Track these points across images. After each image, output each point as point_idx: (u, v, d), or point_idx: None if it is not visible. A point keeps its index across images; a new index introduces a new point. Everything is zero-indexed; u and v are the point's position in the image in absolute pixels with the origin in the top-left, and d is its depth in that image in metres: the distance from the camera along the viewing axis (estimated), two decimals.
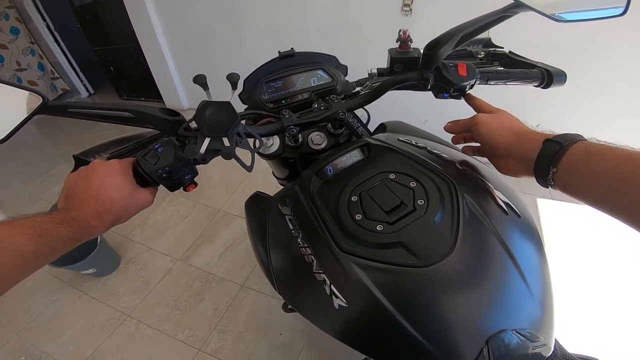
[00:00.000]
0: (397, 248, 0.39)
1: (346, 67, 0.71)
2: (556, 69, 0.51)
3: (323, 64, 0.67)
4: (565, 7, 0.43)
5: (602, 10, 0.43)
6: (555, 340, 0.44)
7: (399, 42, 0.53)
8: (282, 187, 0.83)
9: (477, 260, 0.39)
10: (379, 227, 0.41)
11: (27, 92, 0.40)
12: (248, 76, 0.65)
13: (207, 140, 0.41)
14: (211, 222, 1.67)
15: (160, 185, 0.47)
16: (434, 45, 0.46)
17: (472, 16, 0.46)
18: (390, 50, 0.55)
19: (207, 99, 0.43)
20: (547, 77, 0.51)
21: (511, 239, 0.42)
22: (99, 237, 1.27)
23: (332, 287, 0.40)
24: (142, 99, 2.98)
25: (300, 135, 0.57)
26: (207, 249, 1.53)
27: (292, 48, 0.68)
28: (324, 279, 0.40)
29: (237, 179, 1.93)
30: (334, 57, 0.69)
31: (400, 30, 0.53)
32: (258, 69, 0.65)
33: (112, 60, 2.80)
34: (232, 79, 0.45)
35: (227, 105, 0.42)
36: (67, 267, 1.20)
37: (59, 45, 3.08)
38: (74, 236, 0.37)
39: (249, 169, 0.47)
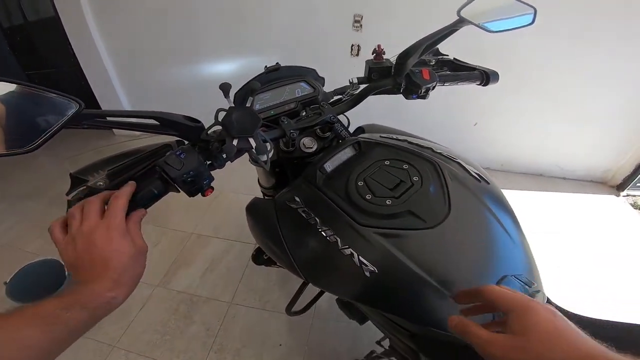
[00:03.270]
0: (407, 216, 0.52)
1: (324, 79, 0.84)
2: (491, 70, 0.71)
3: (305, 76, 0.79)
4: (493, 21, 0.61)
5: (516, 20, 0.62)
6: (548, 298, 0.59)
7: (374, 54, 0.68)
8: (267, 196, 0.92)
9: (469, 219, 0.53)
10: (388, 202, 0.53)
11: (62, 99, 0.41)
12: (238, 90, 0.74)
13: (236, 141, 0.50)
14: (185, 246, 1.67)
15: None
16: (404, 56, 0.61)
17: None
18: (368, 62, 0.69)
19: (230, 105, 0.51)
20: (486, 77, 0.70)
21: (488, 200, 0.57)
22: (66, 268, 1.21)
23: (360, 257, 0.49)
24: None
25: (294, 141, 0.67)
26: (186, 271, 1.53)
27: (277, 62, 0.80)
28: (351, 252, 0.50)
29: (204, 201, 1.93)
30: (314, 69, 0.82)
31: (377, 45, 0.68)
32: (245, 85, 0.74)
33: (48, 85, 2.58)
34: (225, 88, 0.51)
35: (250, 109, 0.51)
36: (35, 303, 1.11)
37: None
38: (90, 317, 0.35)
39: (267, 166, 0.56)
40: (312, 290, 1.08)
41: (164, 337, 1.28)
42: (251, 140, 0.52)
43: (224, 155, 0.51)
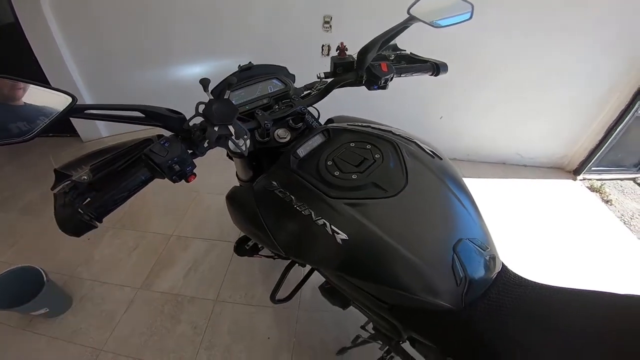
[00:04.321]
0: (370, 187, 0.60)
1: (294, 76, 0.91)
2: (441, 62, 0.81)
3: (277, 74, 0.86)
4: (438, 17, 0.71)
5: (458, 16, 0.73)
6: (503, 263, 0.68)
7: (338, 51, 0.77)
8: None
9: (425, 188, 0.63)
10: (354, 177, 0.62)
11: (57, 93, 0.44)
12: (214, 87, 0.80)
13: (217, 128, 0.56)
14: (166, 247, 1.68)
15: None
16: (365, 51, 0.70)
17: (381, 29, 0.71)
18: (333, 58, 0.78)
19: (210, 98, 0.57)
20: (436, 68, 0.80)
21: (441, 173, 0.66)
22: (44, 274, 1.21)
23: (332, 226, 0.57)
24: (50, 135, 2.73)
25: (268, 133, 0.74)
26: (169, 273, 1.55)
27: (250, 62, 0.86)
28: (324, 222, 0.58)
29: (183, 203, 1.96)
30: (285, 67, 0.90)
31: (340, 42, 0.76)
32: (223, 81, 0.81)
33: None
34: (204, 82, 0.57)
35: (228, 101, 0.57)
36: (16, 309, 1.11)
37: None
38: None
39: (245, 152, 0.63)
40: (295, 278, 1.15)
41: (152, 338, 1.30)
42: (230, 129, 0.58)
43: (205, 143, 0.57)
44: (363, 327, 1.03)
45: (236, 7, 1.98)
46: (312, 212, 0.59)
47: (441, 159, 0.70)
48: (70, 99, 0.45)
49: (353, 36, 0.79)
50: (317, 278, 0.97)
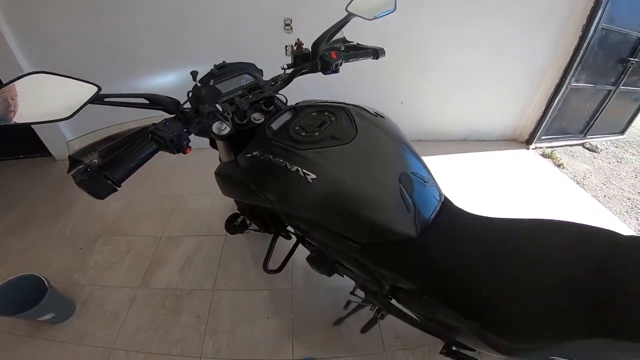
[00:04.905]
0: (329, 139, 0.78)
1: (262, 70, 1.07)
2: (380, 47, 1.00)
3: (247, 69, 1.02)
4: (370, 12, 0.89)
5: (386, 10, 0.91)
6: (446, 197, 0.84)
7: (296, 46, 0.94)
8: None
9: (371, 137, 0.80)
10: (316, 134, 0.79)
11: (88, 83, 0.57)
12: (200, 79, 0.93)
13: (207, 105, 0.71)
14: (157, 248, 1.77)
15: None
16: (316, 44, 0.88)
17: None
18: (293, 51, 0.95)
19: (198, 85, 0.73)
20: (376, 53, 0.98)
21: (384, 126, 0.84)
22: (46, 280, 1.28)
23: (303, 170, 0.74)
24: (21, 156, 2.73)
25: (246, 115, 0.90)
26: (164, 270, 1.64)
27: (223, 61, 1.01)
28: (297, 168, 0.75)
29: (168, 208, 2.05)
30: (253, 64, 1.05)
31: (297, 39, 0.94)
32: (202, 77, 0.95)
33: None
34: (194, 74, 0.75)
35: (213, 86, 0.73)
36: (22, 314, 1.17)
37: None
38: None
39: (230, 125, 0.78)
40: (284, 250, 1.29)
41: (158, 332, 1.37)
42: (218, 107, 0.74)
43: (197, 120, 0.72)
44: (352, 293, 1.17)
45: (200, 17, 2.10)
46: (287, 163, 0.75)
47: (383, 117, 0.89)
48: (96, 88, 0.58)
49: (313, 35, 0.95)
50: (303, 256, 1.10)
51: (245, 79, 0.99)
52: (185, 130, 0.71)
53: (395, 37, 2.19)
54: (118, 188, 0.62)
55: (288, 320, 1.42)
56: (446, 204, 0.83)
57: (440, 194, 0.84)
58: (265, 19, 2.13)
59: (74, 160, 0.63)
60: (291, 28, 2.15)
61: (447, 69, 2.47)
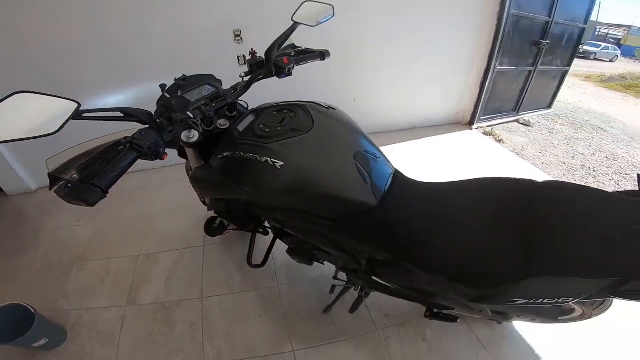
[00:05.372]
0: (290, 132, 0.90)
1: (221, 81, 1.18)
2: (325, 50, 1.16)
3: (207, 81, 1.12)
4: (313, 20, 1.05)
5: (326, 17, 1.07)
6: (396, 169, 0.99)
7: (250, 55, 1.07)
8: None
9: (326, 126, 0.94)
10: (279, 128, 0.91)
11: (69, 100, 0.60)
12: (160, 97, 1.02)
13: (179, 114, 0.81)
14: (137, 266, 1.77)
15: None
16: (269, 51, 1.01)
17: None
18: (248, 60, 1.07)
19: (166, 96, 0.82)
20: (322, 55, 1.14)
21: (336, 116, 0.99)
22: (31, 308, 1.26)
23: (272, 159, 0.85)
24: None
25: (212, 121, 1.00)
26: (149, 286, 1.65)
27: (183, 74, 1.11)
28: (266, 159, 0.86)
29: (139, 228, 2.04)
30: (212, 75, 1.16)
31: (251, 49, 1.07)
32: (168, 89, 1.03)
33: None
34: (163, 87, 0.82)
35: (182, 96, 0.83)
36: (17, 341, 1.15)
37: None
38: None
39: (200, 130, 0.88)
40: (263, 247, 1.38)
41: (157, 344, 1.39)
42: (189, 114, 0.84)
43: (169, 129, 0.81)
44: (335, 277, 1.29)
45: (144, 37, 2.12)
46: (257, 156, 0.86)
47: (335, 109, 1.04)
48: (76, 105, 0.63)
49: (263, 43, 1.08)
50: (283, 254, 1.18)
51: (207, 89, 1.09)
52: (160, 138, 0.79)
53: (341, 39, 2.40)
54: (106, 194, 0.67)
55: (280, 315, 1.49)
56: (397, 175, 0.99)
57: (391, 167, 1.00)
58: (215, 32, 2.23)
59: (54, 178, 0.67)
60: (241, 39, 2.27)
61: (391, 64, 2.73)
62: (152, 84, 1.06)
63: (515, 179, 0.83)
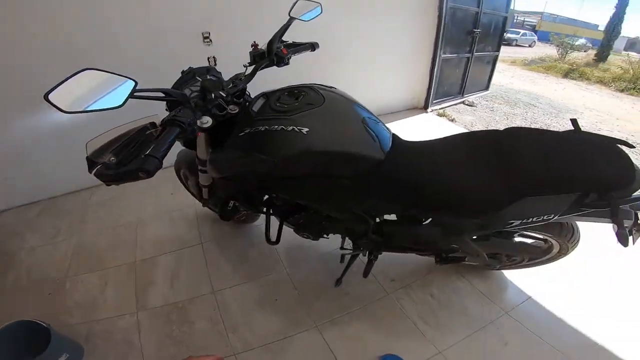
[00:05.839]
0: (307, 106, 1.03)
1: (220, 73, 1.27)
2: (315, 42, 1.30)
3: (210, 72, 1.20)
4: (305, 15, 1.20)
5: (316, 14, 1.22)
6: (395, 134, 1.16)
7: (253, 47, 1.18)
8: (202, 172, 1.29)
9: (335, 100, 1.09)
10: (296, 104, 1.04)
11: (128, 78, 0.69)
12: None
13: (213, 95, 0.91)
14: (136, 273, 1.74)
15: None
16: (271, 43, 1.14)
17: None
18: (251, 52, 1.18)
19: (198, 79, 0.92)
20: (312, 46, 1.29)
21: (340, 92, 1.14)
22: (42, 322, 1.22)
23: (298, 127, 0.97)
24: None
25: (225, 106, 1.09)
26: (155, 289, 1.63)
27: (190, 67, 1.18)
28: (292, 128, 0.97)
29: (129, 235, 2.00)
30: (214, 67, 1.24)
31: (253, 41, 1.17)
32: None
33: None
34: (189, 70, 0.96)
35: (214, 78, 0.92)
36: (38, 358, 1.12)
37: None
38: None
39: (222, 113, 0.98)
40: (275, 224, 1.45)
41: (181, 345, 1.39)
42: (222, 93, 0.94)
43: (204, 108, 0.91)
44: (342, 247, 1.39)
45: (110, 41, 2.09)
46: (283, 127, 0.98)
47: (335, 88, 1.18)
48: (133, 83, 0.71)
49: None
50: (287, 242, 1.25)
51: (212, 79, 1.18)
52: (194, 116, 0.87)
53: (307, 37, 2.55)
54: (161, 166, 0.71)
55: (294, 296, 1.56)
56: (395, 136, 1.17)
57: (390, 130, 1.17)
58: (180, 37, 2.25)
59: (92, 162, 0.71)
60: (210, 40, 2.31)
61: (352, 57, 2.96)
62: None
63: (486, 130, 1.07)
